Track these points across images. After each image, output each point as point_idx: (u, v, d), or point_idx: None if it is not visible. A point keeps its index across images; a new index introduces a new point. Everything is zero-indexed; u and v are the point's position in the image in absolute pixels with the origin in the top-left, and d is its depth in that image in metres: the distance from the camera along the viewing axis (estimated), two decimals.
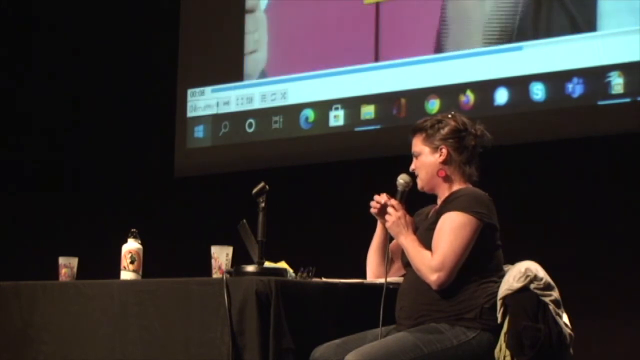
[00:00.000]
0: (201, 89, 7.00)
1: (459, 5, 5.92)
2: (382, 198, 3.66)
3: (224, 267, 3.76)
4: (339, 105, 6.34)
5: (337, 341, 3.48)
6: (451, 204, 3.52)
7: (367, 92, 6.24)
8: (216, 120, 6.90)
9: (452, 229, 3.46)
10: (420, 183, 3.65)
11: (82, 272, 4.31)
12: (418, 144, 3.65)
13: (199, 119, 6.98)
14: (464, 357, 3.42)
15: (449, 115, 3.66)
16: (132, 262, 3.99)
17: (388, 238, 3.65)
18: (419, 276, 3.50)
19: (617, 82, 5.32)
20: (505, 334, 3.37)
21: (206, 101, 6.96)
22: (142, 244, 4.03)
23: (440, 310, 3.47)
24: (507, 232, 3.60)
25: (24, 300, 4.20)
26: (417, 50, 6.05)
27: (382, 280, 3.60)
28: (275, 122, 6.62)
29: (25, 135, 7.71)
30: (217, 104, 6.91)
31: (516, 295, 3.38)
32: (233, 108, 6.83)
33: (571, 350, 3.44)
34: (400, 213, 3.58)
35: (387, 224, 3.59)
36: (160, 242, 4.91)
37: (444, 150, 3.60)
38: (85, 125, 7.56)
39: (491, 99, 5.74)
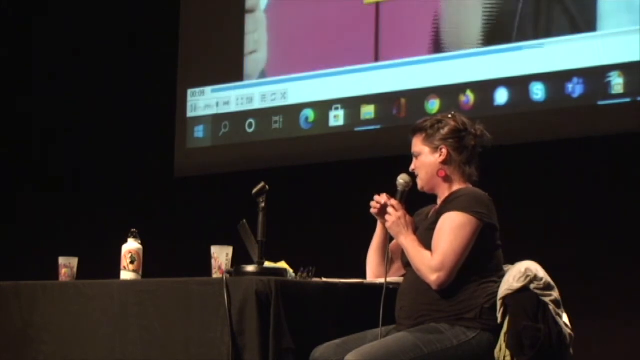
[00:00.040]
0: (201, 89, 7.00)
1: (459, 5, 5.91)
2: (382, 198, 3.66)
3: (224, 267, 3.76)
4: (339, 105, 6.34)
5: (337, 341, 3.48)
6: (451, 204, 3.52)
7: (367, 92, 6.23)
8: (216, 120, 6.90)
9: (452, 229, 3.46)
10: (420, 183, 3.65)
11: (82, 272, 4.31)
12: (418, 144, 3.65)
13: (199, 119, 6.98)
14: (464, 357, 3.42)
15: (449, 115, 3.66)
16: (132, 262, 3.99)
17: (388, 238, 3.65)
18: (419, 276, 3.50)
19: (617, 82, 5.32)
20: (505, 334, 3.37)
21: (206, 101, 6.96)
22: (142, 244, 4.03)
23: (440, 310, 3.47)
24: (507, 232, 3.60)
25: (24, 300, 4.20)
26: (417, 50, 6.05)
27: (382, 280, 3.59)
28: (275, 122, 6.62)
29: (25, 135, 7.72)
30: (217, 104, 6.91)
31: (516, 295, 3.38)
32: (233, 108, 6.83)
33: (571, 350, 3.44)
34: (400, 213, 3.58)
35: (387, 224, 3.59)
36: (160, 242, 4.91)
37: (444, 150, 3.60)
38: (85, 125, 7.56)
39: (491, 99, 5.73)
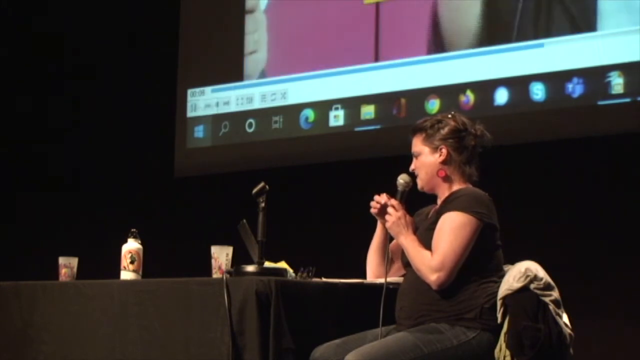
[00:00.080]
0: (201, 89, 7.00)
1: (459, 5, 5.91)
2: (382, 198, 3.66)
3: (224, 267, 3.76)
4: (339, 105, 6.34)
5: (337, 341, 3.48)
6: (451, 204, 3.52)
7: (367, 92, 6.23)
8: (216, 120, 6.90)
9: (452, 229, 3.46)
10: (420, 183, 3.65)
11: (82, 272, 4.31)
12: (418, 144, 3.65)
13: (199, 119, 6.99)
14: (464, 357, 3.42)
15: (449, 115, 3.66)
16: (132, 262, 3.99)
17: (388, 238, 3.65)
18: (419, 276, 3.50)
19: (617, 82, 5.32)
20: (505, 334, 3.37)
21: (206, 101, 6.96)
22: (142, 244, 4.03)
23: (440, 310, 3.47)
24: (507, 232, 3.60)
25: (24, 300, 4.20)
26: (417, 50, 6.05)
27: (382, 280, 3.59)
28: (275, 122, 6.62)
29: (25, 135, 7.71)
30: (217, 104, 6.91)
31: (516, 295, 3.38)
32: (233, 108, 6.83)
33: (571, 350, 3.44)
34: (400, 213, 3.58)
35: (387, 224, 3.59)
36: (160, 242, 4.91)
37: (444, 150, 3.60)
38: (85, 125, 7.56)
39: (491, 99, 5.73)
